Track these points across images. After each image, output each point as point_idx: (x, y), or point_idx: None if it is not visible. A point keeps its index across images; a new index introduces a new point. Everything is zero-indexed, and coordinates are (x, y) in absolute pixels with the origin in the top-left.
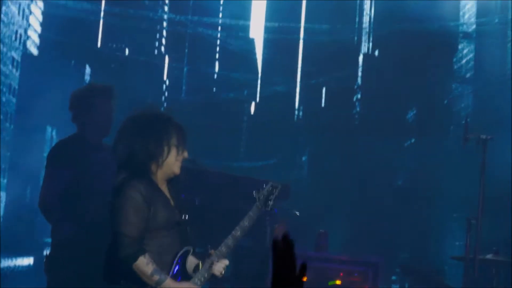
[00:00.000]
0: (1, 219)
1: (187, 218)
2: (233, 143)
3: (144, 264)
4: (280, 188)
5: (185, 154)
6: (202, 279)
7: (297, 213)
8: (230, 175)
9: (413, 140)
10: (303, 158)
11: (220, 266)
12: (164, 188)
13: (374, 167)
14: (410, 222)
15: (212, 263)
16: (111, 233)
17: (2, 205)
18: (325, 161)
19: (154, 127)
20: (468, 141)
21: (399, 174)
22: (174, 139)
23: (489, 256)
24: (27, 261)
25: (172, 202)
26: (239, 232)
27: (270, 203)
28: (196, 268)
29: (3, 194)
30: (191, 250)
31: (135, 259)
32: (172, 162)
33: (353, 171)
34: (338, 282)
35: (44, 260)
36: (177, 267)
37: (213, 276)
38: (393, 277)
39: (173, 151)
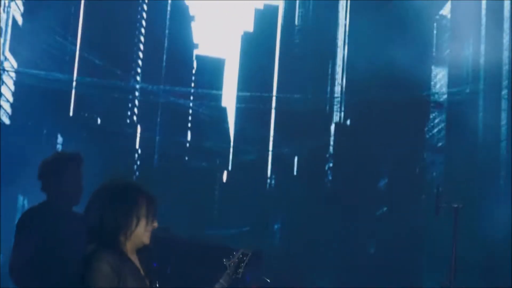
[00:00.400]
0: None
1: (157, 286)
2: (206, 211)
3: None
4: (251, 255)
5: (155, 224)
6: None
7: (268, 280)
8: (202, 244)
9: (385, 209)
10: (276, 226)
11: None
12: (133, 257)
13: (346, 235)
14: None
15: None
16: None
17: None
18: (297, 229)
19: (123, 198)
20: (440, 209)
21: (371, 242)
22: (143, 210)
23: None
24: None
25: (142, 272)
26: None
27: (241, 270)
28: None
29: None
30: None
31: None
32: (141, 233)
33: (325, 239)
34: None
35: None
36: None
37: None
38: None
39: (143, 222)
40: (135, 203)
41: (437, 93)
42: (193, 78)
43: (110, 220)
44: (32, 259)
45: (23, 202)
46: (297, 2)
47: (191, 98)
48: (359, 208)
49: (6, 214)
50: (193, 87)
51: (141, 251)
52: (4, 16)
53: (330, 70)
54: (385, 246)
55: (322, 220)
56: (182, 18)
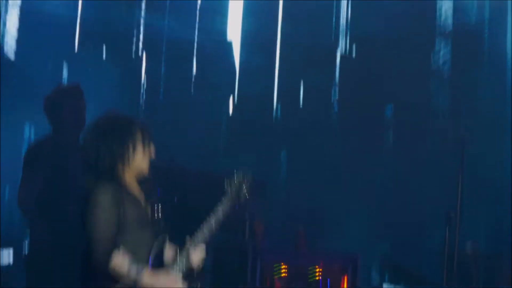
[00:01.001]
0: None
1: (160, 215)
2: (212, 143)
3: (119, 263)
4: (251, 177)
5: (152, 150)
6: (181, 267)
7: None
8: (208, 174)
9: (391, 139)
10: (282, 158)
11: (197, 254)
12: (133, 188)
13: (353, 165)
14: (389, 213)
15: (189, 250)
16: (85, 238)
17: None
18: (303, 160)
19: (117, 129)
20: (447, 138)
21: (378, 171)
22: (138, 137)
23: (468, 249)
24: (6, 252)
25: (142, 202)
26: (213, 222)
27: (242, 192)
28: (174, 258)
29: None
30: (167, 243)
31: (110, 259)
32: (140, 161)
33: (331, 170)
34: (317, 277)
35: (23, 258)
36: (153, 260)
37: (191, 264)
38: (373, 265)
39: (139, 148)
40: (129, 132)
41: (442, 24)
42: (198, 11)
43: (107, 152)
44: (39, 191)
45: (29, 133)
46: None
47: (196, 31)
48: (365, 138)
49: (13, 146)
50: (198, 20)
51: (144, 180)
52: None
53: (335, 2)
54: (392, 176)
55: (329, 152)
56: None
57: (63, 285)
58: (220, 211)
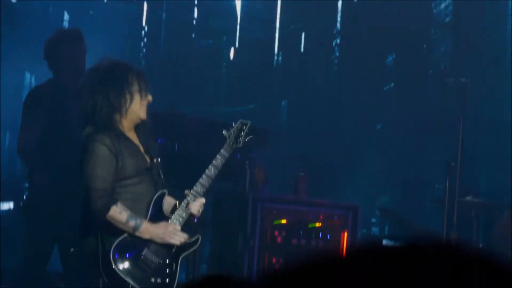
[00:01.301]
0: None
1: (159, 161)
2: (212, 89)
3: (118, 213)
4: (250, 125)
5: (149, 97)
6: (180, 219)
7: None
8: (209, 120)
9: (392, 85)
10: (283, 103)
11: (196, 205)
12: (131, 135)
13: (354, 111)
14: (389, 165)
15: (188, 203)
16: (83, 187)
17: None
18: (304, 106)
19: (113, 77)
20: (447, 84)
21: (379, 118)
22: (135, 85)
23: (468, 198)
24: (7, 205)
25: (141, 148)
26: (212, 171)
27: (241, 140)
28: (174, 209)
29: None
30: (166, 193)
31: (108, 210)
32: (137, 108)
33: (332, 116)
34: (318, 224)
35: (21, 204)
36: (152, 211)
37: (191, 215)
38: (373, 220)
39: (137, 98)
40: (125, 80)
41: None
42: None
43: (104, 102)
44: (39, 137)
45: (30, 80)
46: None
47: None
48: (366, 84)
49: (14, 92)
50: None
51: (144, 128)
52: None
53: None
54: (392, 122)
55: (329, 96)
56: None
57: (62, 233)
58: (220, 159)
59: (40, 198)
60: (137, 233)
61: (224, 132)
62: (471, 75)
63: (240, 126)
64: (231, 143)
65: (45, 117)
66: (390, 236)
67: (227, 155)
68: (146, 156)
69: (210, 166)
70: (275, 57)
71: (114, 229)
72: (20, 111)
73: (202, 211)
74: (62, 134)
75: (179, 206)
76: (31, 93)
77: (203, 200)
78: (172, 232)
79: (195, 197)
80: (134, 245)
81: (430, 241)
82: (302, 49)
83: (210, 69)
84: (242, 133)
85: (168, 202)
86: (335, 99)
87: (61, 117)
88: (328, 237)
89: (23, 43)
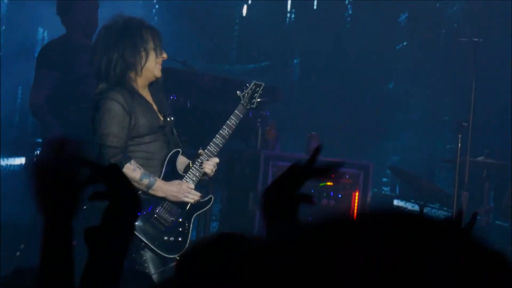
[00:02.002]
0: None
1: (172, 120)
2: (225, 45)
3: (131, 171)
4: (264, 86)
5: (164, 55)
6: (194, 178)
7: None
8: (221, 78)
9: (405, 43)
10: (295, 61)
11: (210, 164)
12: (145, 93)
13: (366, 69)
14: (401, 125)
15: (202, 162)
16: (96, 144)
17: None
18: (316, 64)
19: (128, 35)
20: (460, 44)
21: (391, 76)
22: (150, 43)
23: (480, 159)
24: (19, 161)
25: (154, 107)
26: (226, 131)
27: (255, 101)
28: (187, 168)
29: None
30: (180, 152)
31: (121, 167)
32: (152, 66)
33: (344, 74)
34: (329, 183)
35: (34, 159)
36: (166, 169)
37: (204, 174)
38: (384, 179)
39: (152, 55)
40: (140, 37)
41: None
42: None
43: (118, 60)
44: (51, 92)
45: (42, 35)
46: None
47: None
48: (379, 42)
49: (27, 48)
50: None
51: (158, 86)
52: None
53: None
54: (404, 81)
55: (342, 54)
56: None
57: (72, 189)
58: (233, 119)
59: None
60: (151, 191)
61: (238, 92)
62: (484, 34)
63: (254, 87)
64: (245, 104)
65: (57, 72)
66: (401, 195)
67: (241, 115)
68: (159, 114)
69: (224, 126)
70: (288, 14)
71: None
72: (33, 66)
73: (216, 170)
74: (75, 91)
75: (192, 165)
76: (44, 48)
77: (216, 159)
78: (186, 191)
79: (209, 156)
80: (147, 203)
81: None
82: (315, 6)
83: (223, 26)
84: (256, 95)
85: (181, 161)
86: (347, 57)
87: (73, 73)
88: (339, 196)
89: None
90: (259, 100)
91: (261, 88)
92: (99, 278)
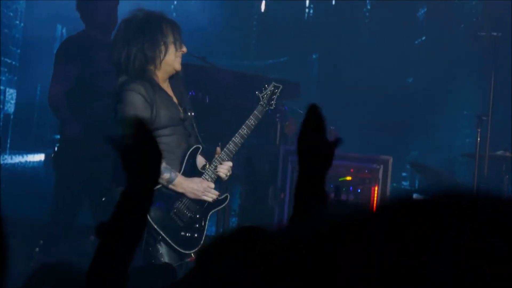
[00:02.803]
0: (12, 116)
1: (192, 114)
2: (243, 41)
3: None
4: (282, 88)
5: (184, 49)
6: (212, 176)
7: (301, 111)
8: (240, 73)
9: (423, 38)
10: (314, 56)
11: (224, 168)
12: (166, 86)
13: (385, 65)
14: (420, 120)
15: (216, 167)
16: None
17: (13, 102)
18: (335, 59)
19: (148, 29)
20: (479, 38)
21: (410, 72)
22: (170, 37)
23: (499, 153)
24: (38, 157)
25: (175, 99)
26: (245, 131)
27: (273, 102)
28: (204, 166)
29: (14, 92)
30: (201, 148)
31: None
32: (172, 59)
33: (363, 69)
34: (348, 178)
35: (52, 155)
36: (187, 165)
37: (219, 178)
38: (403, 174)
39: (171, 49)
40: (160, 31)
41: None
42: None
43: (138, 53)
44: (70, 88)
45: (61, 32)
46: None
47: None
48: (397, 37)
49: (45, 45)
50: None
51: (178, 80)
52: None
53: None
54: (423, 76)
55: (360, 49)
56: None
57: (92, 185)
58: (253, 120)
59: (71, 150)
60: (171, 186)
61: (257, 93)
62: (503, 29)
63: (273, 88)
64: (263, 105)
65: (76, 68)
66: (420, 190)
67: (260, 116)
68: (180, 107)
69: (243, 126)
70: (306, 10)
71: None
72: (51, 63)
73: (230, 175)
74: (93, 86)
75: (208, 167)
76: (63, 44)
77: (230, 163)
78: (205, 189)
79: (223, 160)
80: (167, 197)
81: (462, 193)
82: (333, 2)
83: (241, 22)
84: (274, 96)
85: (199, 160)
86: (365, 52)
87: (92, 69)
88: (359, 191)
89: None
90: (277, 101)
91: (279, 90)
92: (108, 270)
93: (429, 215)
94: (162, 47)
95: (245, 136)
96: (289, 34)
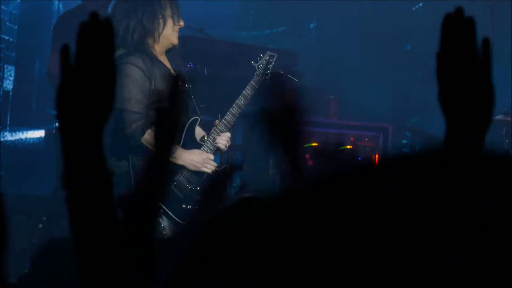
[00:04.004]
0: (11, 92)
1: (190, 86)
2: (240, 12)
3: (152, 137)
4: (279, 57)
5: (181, 23)
6: (211, 147)
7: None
8: (238, 44)
9: (421, 4)
10: (311, 25)
11: (223, 139)
12: (163, 59)
13: (383, 32)
14: (419, 86)
15: (215, 138)
16: (115, 109)
17: (12, 78)
18: (333, 27)
19: (146, 2)
20: (477, 4)
21: (408, 38)
22: (168, 10)
23: (499, 117)
24: (38, 133)
25: (173, 72)
26: (242, 101)
27: (269, 72)
28: (203, 138)
29: (12, 68)
30: (199, 120)
31: (143, 133)
32: (169, 33)
33: (362, 37)
34: (349, 146)
35: (54, 131)
36: (186, 137)
37: (218, 149)
38: (404, 141)
39: (169, 23)
40: (158, 4)
41: None
42: None
43: (136, 25)
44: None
45: (58, 7)
46: None
47: None
48: (395, 4)
49: (43, 20)
50: None
51: (175, 52)
52: None
53: None
54: (421, 42)
55: (358, 18)
56: None
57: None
58: (249, 90)
59: None
60: (170, 159)
61: (252, 62)
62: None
63: (268, 58)
64: (260, 74)
65: (74, 42)
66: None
67: (256, 86)
68: (178, 80)
69: (240, 96)
70: None
71: (145, 153)
72: (49, 39)
73: (229, 146)
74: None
75: (207, 139)
76: (60, 19)
77: (228, 134)
78: (205, 160)
79: (221, 131)
80: None
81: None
82: None
83: None
84: (270, 66)
85: (198, 130)
86: (363, 20)
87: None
88: (359, 159)
89: None
90: (272, 71)
91: (274, 59)
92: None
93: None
94: (161, 20)
95: (243, 107)
96: (286, 4)
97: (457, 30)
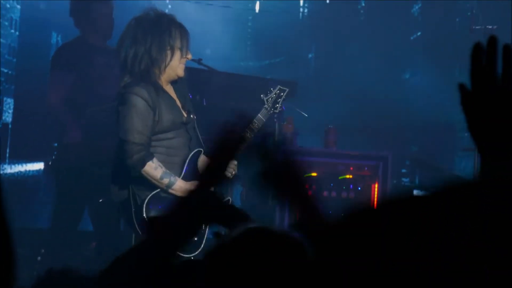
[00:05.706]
0: (10, 125)
1: (194, 117)
2: (239, 42)
3: (153, 169)
4: (288, 91)
5: (189, 55)
6: None
7: (305, 114)
8: (237, 75)
9: (419, 33)
10: (309, 55)
11: (230, 167)
12: (169, 89)
13: (381, 61)
14: (418, 115)
15: None
16: (118, 140)
17: (11, 111)
18: (331, 57)
19: (157, 31)
20: (474, 31)
21: (406, 67)
22: (177, 42)
23: None
24: (38, 166)
25: (178, 103)
26: (248, 134)
27: (278, 106)
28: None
29: (11, 101)
30: (202, 151)
31: (143, 165)
32: (176, 65)
33: (359, 67)
34: (348, 176)
35: (50, 162)
36: (187, 168)
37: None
38: (403, 170)
39: (177, 55)
40: (169, 34)
41: None
42: None
43: (145, 54)
44: (67, 93)
45: (56, 39)
46: None
47: None
48: (393, 33)
49: (41, 52)
50: None
51: (180, 82)
52: None
53: None
54: (420, 71)
55: (355, 48)
56: None
57: (92, 191)
58: (256, 123)
59: (70, 155)
60: (171, 190)
61: (262, 96)
62: (498, 21)
63: (278, 92)
64: (268, 108)
65: (72, 74)
66: (420, 186)
67: (264, 119)
68: (183, 111)
69: (246, 129)
70: (301, 9)
71: (147, 184)
72: (48, 71)
73: (235, 172)
74: (92, 92)
75: None
76: (59, 50)
77: (234, 162)
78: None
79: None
80: (167, 200)
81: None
82: (327, 1)
83: (235, 22)
84: (280, 100)
85: (203, 160)
86: (361, 49)
87: (90, 74)
88: (359, 189)
89: (48, 3)
90: (281, 104)
91: (285, 93)
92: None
93: (427, 210)
94: (168, 52)
95: (249, 139)
96: (285, 34)
97: (487, 60)
